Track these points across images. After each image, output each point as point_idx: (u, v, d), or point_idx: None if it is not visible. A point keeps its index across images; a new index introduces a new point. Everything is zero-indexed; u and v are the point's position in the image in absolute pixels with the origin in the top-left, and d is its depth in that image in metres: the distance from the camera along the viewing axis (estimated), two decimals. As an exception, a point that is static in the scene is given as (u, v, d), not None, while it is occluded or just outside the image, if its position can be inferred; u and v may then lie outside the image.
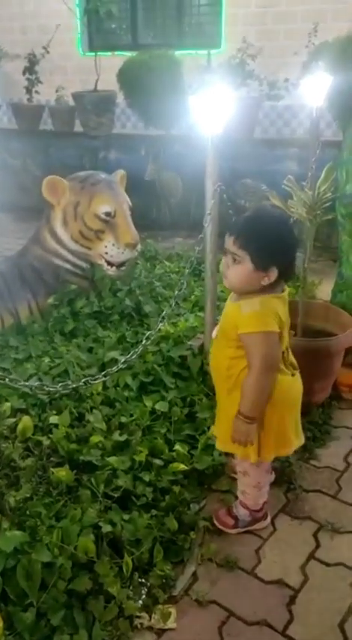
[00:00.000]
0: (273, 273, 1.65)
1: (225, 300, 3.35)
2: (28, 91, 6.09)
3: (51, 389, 2.19)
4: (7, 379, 1.83)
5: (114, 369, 2.18)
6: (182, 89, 4.96)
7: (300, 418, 1.91)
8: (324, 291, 3.46)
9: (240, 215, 1.72)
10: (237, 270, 1.65)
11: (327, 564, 1.87)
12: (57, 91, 5.98)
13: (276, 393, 1.73)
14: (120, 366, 2.21)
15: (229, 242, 1.65)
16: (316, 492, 2.17)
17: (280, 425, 1.80)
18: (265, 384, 1.69)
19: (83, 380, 2.20)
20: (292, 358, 1.86)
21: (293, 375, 1.83)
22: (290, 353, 1.85)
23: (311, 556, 1.90)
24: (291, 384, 1.81)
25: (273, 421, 1.78)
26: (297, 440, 1.89)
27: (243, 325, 1.66)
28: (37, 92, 6.10)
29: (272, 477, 2.11)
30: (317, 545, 1.94)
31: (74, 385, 2.09)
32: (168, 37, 6.25)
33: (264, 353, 1.65)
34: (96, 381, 2.19)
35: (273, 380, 1.71)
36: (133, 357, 2.24)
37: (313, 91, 3.73)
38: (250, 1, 5.57)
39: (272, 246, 1.64)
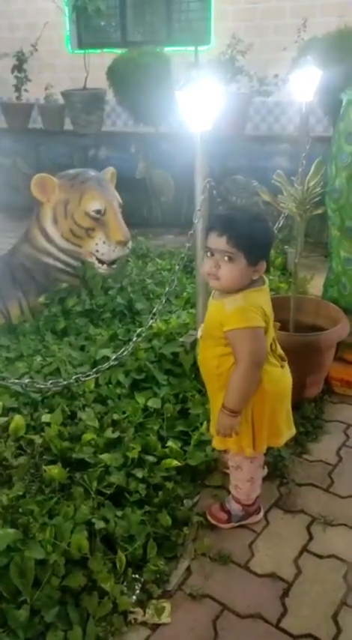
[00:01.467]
0: (262, 267, 1.69)
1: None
2: (17, 89, 6.06)
3: (42, 386, 2.19)
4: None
5: (105, 366, 2.19)
6: (170, 86, 4.95)
7: (291, 410, 1.92)
8: (316, 286, 3.47)
9: (218, 215, 1.74)
10: (232, 268, 1.65)
11: (320, 557, 1.88)
12: (46, 89, 5.96)
13: (267, 384, 1.74)
14: (111, 363, 2.21)
15: (221, 242, 1.64)
16: (308, 486, 2.18)
17: (272, 416, 1.81)
18: (251, 380, 1.69)
19: (74, 377, 2.20)
20: (280, 350, 1.87)
21: (282, 366, 1.84)
22: (278, 345, 1.86)
23: (304, 549, 1.91)
24: (281, 376, 1.82)
25: (265, 412, 1.78)
26: (288, 431, 1.91)
27: (227, 322, 1.67)
28: (26, 90, 6.08)
29: (265, 471, 2.12)
30: (310, 538, 1.95)
31: (65, 383, 2.09)
32: (158, 33, 6.23)
33: (250, 349, 1.66)
34: (87, 379, 2.19)
35: (259, 375, 1.71)
36: (124, 354, 2.24)
37: (303, 86, 3.74)
38: (239, -2, 5.57)
39: (261, 241, 1.68)
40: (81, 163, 5.36)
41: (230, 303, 1.68)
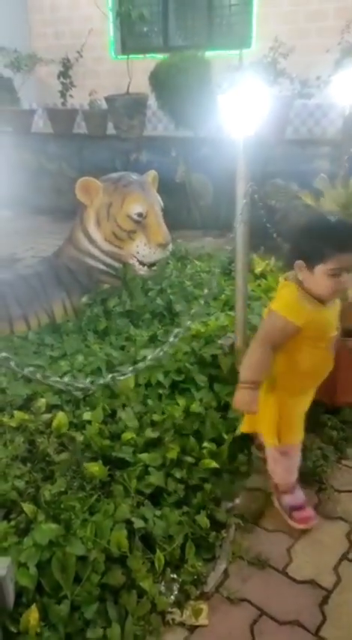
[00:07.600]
0: None
1: (256, 299, 3.32)
2: (63, 95, 6.20)
3: (80, 385, 2.22)
4: (38, 375, 1.87)
5: (140, 365, 2.20)
6: (211, 90, 4.97)
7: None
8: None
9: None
10: None
11: (361, 565, 1.85)
12: (90, 94, 6.06)
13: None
14: (148, 362, 2.22)
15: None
16: (348, 493, 2.14)
17: None
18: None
19: (110, 376, 2.21)
20: None
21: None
22: None
23: (344, 557, 1.88)
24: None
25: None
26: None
27: None
28: (71, 96, 6.21)
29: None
30: (350, 546, 1.92)
31: (101, 382, 2.12)
32: (199, 38, 6.27)
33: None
34: (122, 377, 2.20)
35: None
36: (160, 354, 2.25)
37: (346, 88, 3.69)
38: (282, 0, 5.55)
39: None
40: (123, 167, 5.43)
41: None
